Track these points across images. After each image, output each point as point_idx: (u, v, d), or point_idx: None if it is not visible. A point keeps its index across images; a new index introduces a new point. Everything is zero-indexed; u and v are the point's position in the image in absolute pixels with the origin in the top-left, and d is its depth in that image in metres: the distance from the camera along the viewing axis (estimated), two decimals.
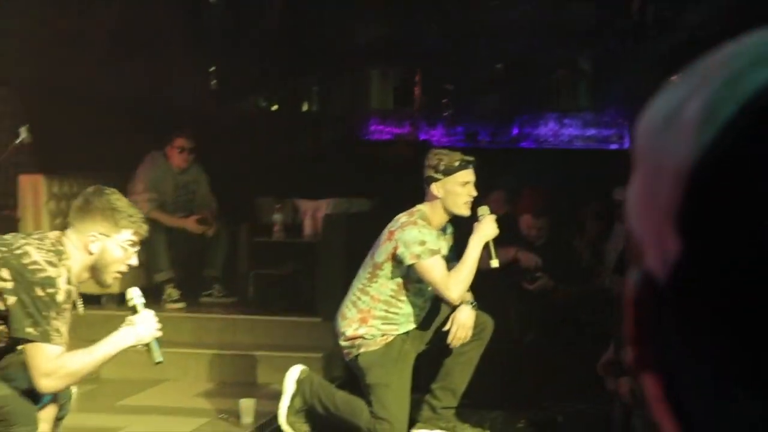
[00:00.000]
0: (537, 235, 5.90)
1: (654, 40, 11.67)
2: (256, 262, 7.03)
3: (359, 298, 4.61)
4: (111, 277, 3.63)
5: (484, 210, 4.62)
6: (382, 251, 4.55)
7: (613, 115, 11.77)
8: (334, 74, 12.36)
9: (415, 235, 4.45)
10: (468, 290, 4.67)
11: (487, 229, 4.54)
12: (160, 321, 5.65)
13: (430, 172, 4.61)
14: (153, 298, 7.06)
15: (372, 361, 4.59)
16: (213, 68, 10.91)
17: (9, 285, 3.37)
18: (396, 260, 4.45)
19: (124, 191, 7.12)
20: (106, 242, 3.54)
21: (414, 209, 4.61)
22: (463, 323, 4.57)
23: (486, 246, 4.57)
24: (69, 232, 3.57)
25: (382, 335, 4.61)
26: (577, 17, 11.69)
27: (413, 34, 11.91)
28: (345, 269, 6.57)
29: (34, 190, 6.97)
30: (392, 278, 4.56)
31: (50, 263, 3.40)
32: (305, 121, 12.19)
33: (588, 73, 12.17)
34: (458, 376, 4.71)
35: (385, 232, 4.56)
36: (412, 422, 4.71)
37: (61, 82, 8.02)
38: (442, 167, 4.57)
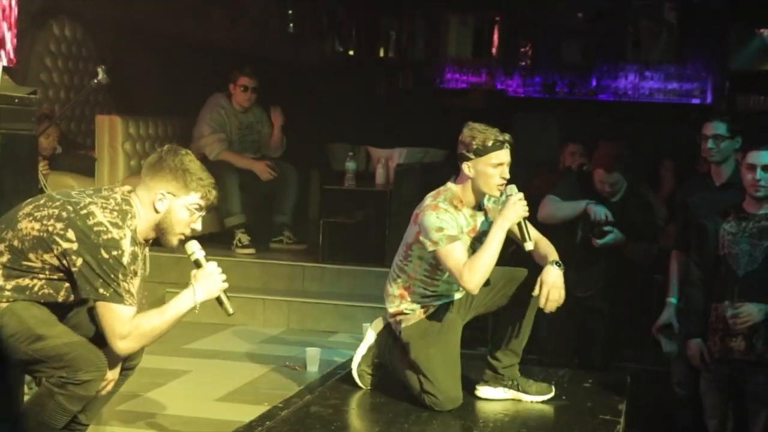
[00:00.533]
0: (610, 190, 5.70)
1: None
2: (326, 209, 7.01)
3: (398, 276, 4.47)
4: (176, 239, 3.59)
5: (511, 189, 4.28)
6: (410, 233, 4.39)
7: (697, 68, 11.49)
8: (412, 20, 12.25)
9: (433, 221, 4.21)
10: (552, 249, 4.44)
11: (511, 211, 4.22)
12: (229, 266, 5.65)
13: (462, 150, 4.30)
14: (223, 243, 7.13)
15: (413, 334, 4.44)
16: (291, 11, 10.86)
17: (74, 246, 3.37)
18: (421, 243, 4.28)
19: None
20: (173, 202, 3.51)
21: (443, 188, 4.38)
22: (553, 283, 4.27)
23: (519, 228, 4.29)
24: (139, 188, 3.56)
25: (422, 307, 4.46)
26: None
27: None
28: None
29: (111, 131, 7.02)
30: (424, 259, 4.36)
31: (114, 224, 3.40)
32: (381, 67, 12.13)
33: (672, 25, 11.86)
34: (516, 335, 4.52)
35: (414, 212, 4.39)
36: (476, 381, 4.63)
37: (139, 24, 8.05)
38: (474, 146, 4.25)
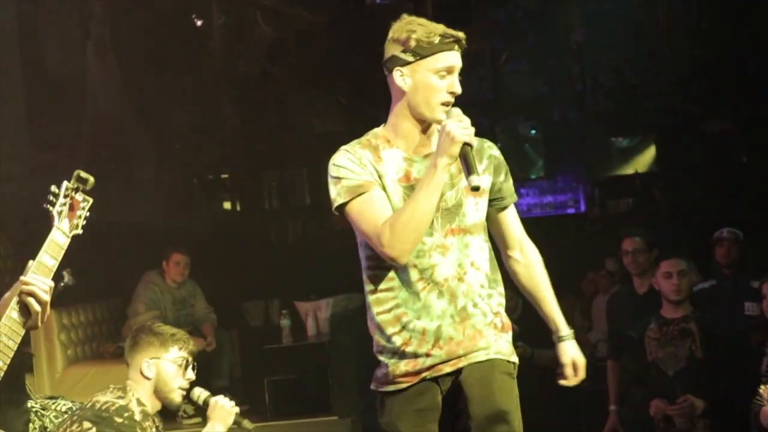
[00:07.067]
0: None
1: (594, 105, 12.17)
2: (267, 367, 7.22)
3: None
4: (177, 394, 3.88)
5: (449, 113, 2.94)
6: None
7: (567, 180, 12.22)
8: (292, 169, 12.63)
9: (329, 172, 2.99)
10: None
11: (446, 140, 2.85)
12: None
13: (394, 52, 2.98)
14: (167, 416, 7.17)
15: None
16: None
17: (93, 429, 3.63)
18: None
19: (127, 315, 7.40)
20: (158, 364, 3.82)
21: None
22: (582, 364, 3.13)
23: (463, 159, 2.88)
24: (129, 373, 3.88)
25: (396, 355, 3.01)
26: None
27: (366, 124, 12.21)
28: (356, 366, 6.84)
29: (45, 324, 7.04)
30: (362, 244, 3.06)
31: (119, 397, 3.73)
32: (268, 217, 12.40)
33: (537, 141, 12.61)
34: None
35: None
36: None
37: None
38: (413, 42, 2.94)
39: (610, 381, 5.81)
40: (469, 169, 2.86)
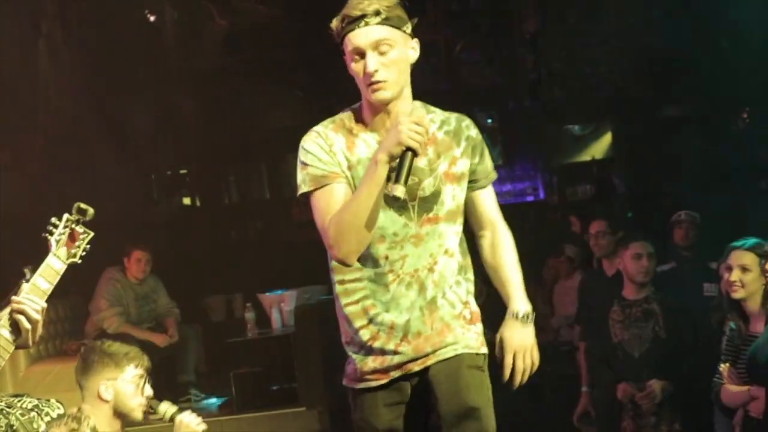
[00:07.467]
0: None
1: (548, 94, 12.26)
2: (232, 361, 7.23)
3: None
4: (138, 412, 3.83)
5: (412, 111, 2.83)
6: None
7: (525, 168, 12.30)
8: (251, 163, 12.60)
9: (299, 152, 2.87)
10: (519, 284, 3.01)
11: (391, 137, 2.72)
12: None
13: None
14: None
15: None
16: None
17: None
18: None
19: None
20: (115, 384, 3.75)
21: None
22: (518, 346, 2.91)
23: (399, 162, 2.70)
24: (84, 396, 3.79)
25: (362, 349, 2.94)
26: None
27: (325, 117, 12.20)
28: (321, 357, 6.85)
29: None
30: None
31: (72, 430, 3.54)
32: (228, 212, 12.37)
33: (494, 130, 12.67)
34: None
35: None
36: None
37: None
38: (334, 32, 2.88)
39: (582, 363, 5.88)
40: (397, 175, 2.69)
